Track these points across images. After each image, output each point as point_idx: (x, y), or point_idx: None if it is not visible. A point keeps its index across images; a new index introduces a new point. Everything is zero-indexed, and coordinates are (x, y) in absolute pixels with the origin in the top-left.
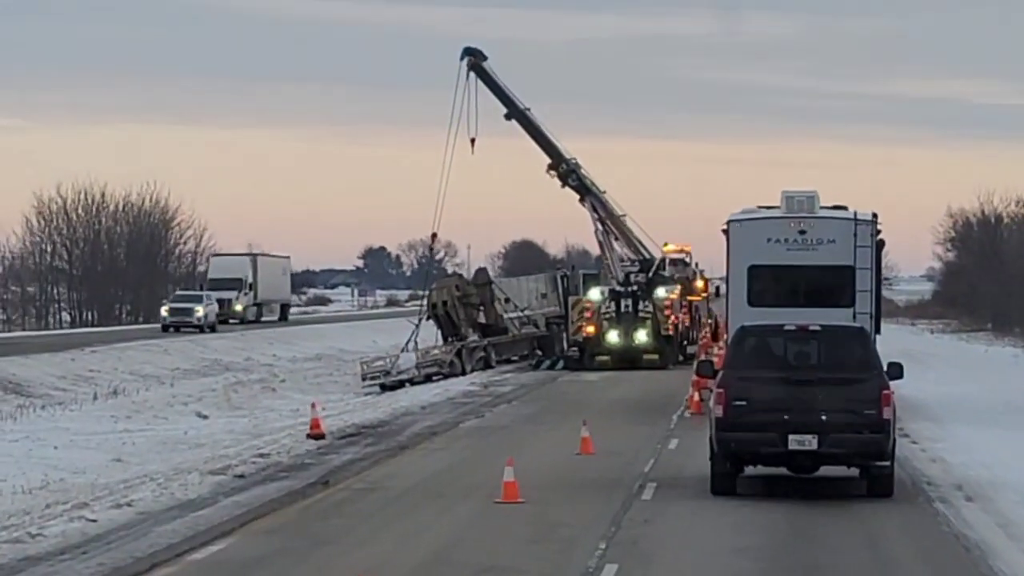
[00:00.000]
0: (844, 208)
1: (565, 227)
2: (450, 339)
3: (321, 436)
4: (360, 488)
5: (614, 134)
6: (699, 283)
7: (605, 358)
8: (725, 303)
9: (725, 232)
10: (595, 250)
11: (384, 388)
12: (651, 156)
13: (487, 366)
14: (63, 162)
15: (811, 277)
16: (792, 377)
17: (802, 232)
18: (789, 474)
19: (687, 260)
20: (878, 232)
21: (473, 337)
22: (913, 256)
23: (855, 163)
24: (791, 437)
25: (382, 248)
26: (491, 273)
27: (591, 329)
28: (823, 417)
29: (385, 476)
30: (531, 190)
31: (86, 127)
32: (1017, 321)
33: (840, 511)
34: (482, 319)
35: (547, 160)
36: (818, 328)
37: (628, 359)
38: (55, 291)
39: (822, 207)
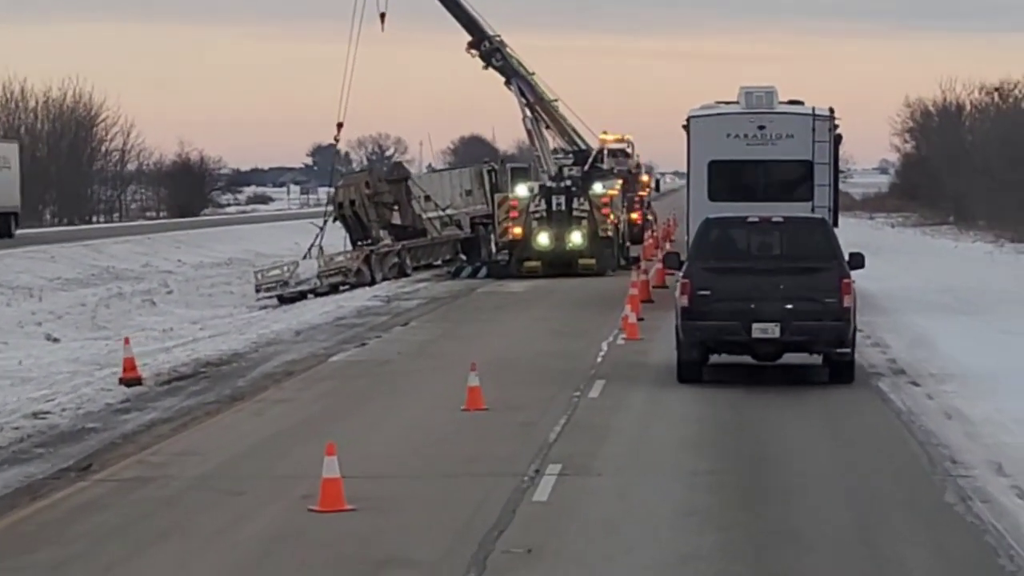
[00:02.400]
0: (800, 103)
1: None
2: (360, 243)
3: (137, 381)
4: (129, 478)
5: (561, 28)
6: (644, 177)
7: (534, 264)
8: (686, 198)
9: (685, 128)
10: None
11: (282, 300)
12: (598, 50)
13: (401, 273)
14: None
15: (770, 172)
16: (755, 267)
17: (761, 128)
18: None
19: (629, 151)
20: (836, 127)
21: (386, 241)
22: (866, 148)
23: (806, 55)
24: (755, 325)
25: (331, 145)
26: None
27: (518, 231)
28: (785, 305)
29: (180, 453)
30: (484, 84)
31: (3, 24)
32: (981, 214)
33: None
34: (397, 220)
35: (468, 37)
36: (780, 219)
37: (561, 264)
38: None
39: (780, 102)
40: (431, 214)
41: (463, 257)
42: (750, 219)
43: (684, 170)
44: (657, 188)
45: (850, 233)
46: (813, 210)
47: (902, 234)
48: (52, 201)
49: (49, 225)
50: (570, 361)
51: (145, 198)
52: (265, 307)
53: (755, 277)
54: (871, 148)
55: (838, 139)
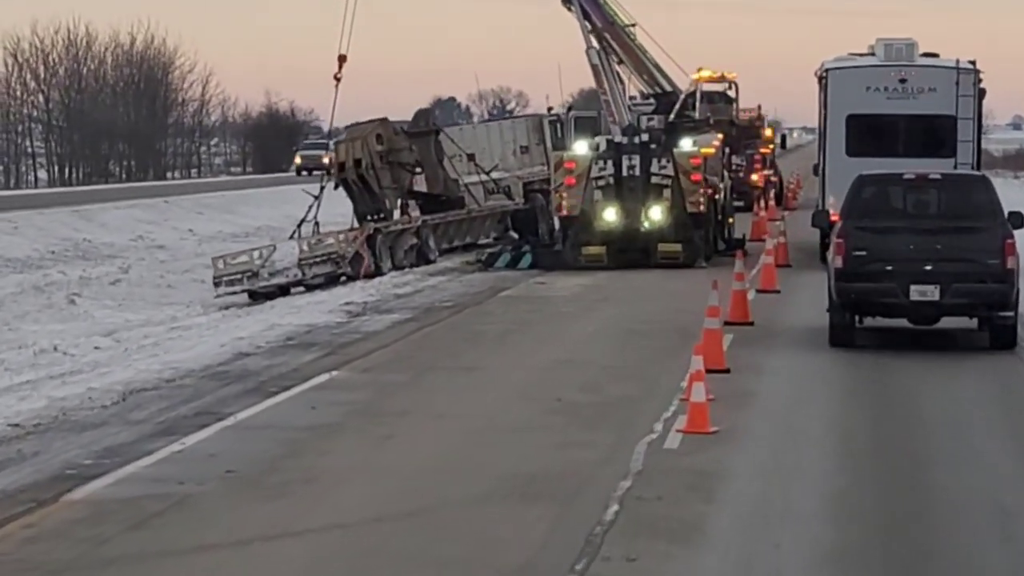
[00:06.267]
0: (936, 56)
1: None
2: (369, 218)
3: None
4: None
5: None
6: (767, 131)
7: (597, 250)
8: (820, 154)
9: (821, 80)
10: None
11: (254, 297)
12: (708, 4)
13: (423, 259)
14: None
15: (911, 127)
16: (913, 226)
17: (903, 81)
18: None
19: (732, 95)
20: (979, 80)
21: (414, 213)
22: (997, 104)
23: (929, 7)
24: (912, 287)
25: (452, 99)
26: None
27: (574, 204)
28: (945, 266)
29: None
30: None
31: None
32: None
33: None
34: (421, 186)
35: None
36: (938, 176)
37: (634, 251)
38: (29, 143)
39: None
40: (471, 178)
41: (514, 235)
42: (905, 176)
43: (808, 125)
44: (783, 144)
45: (1003, 195)
46: (956, 167)
47: None
48: (124, 155)
49: (118, 181)
50: (552, 510)
51: (230, 152)
52: (229, 306)
53: (913, 237)
54: (1002, 103)
55: (982, 93)
